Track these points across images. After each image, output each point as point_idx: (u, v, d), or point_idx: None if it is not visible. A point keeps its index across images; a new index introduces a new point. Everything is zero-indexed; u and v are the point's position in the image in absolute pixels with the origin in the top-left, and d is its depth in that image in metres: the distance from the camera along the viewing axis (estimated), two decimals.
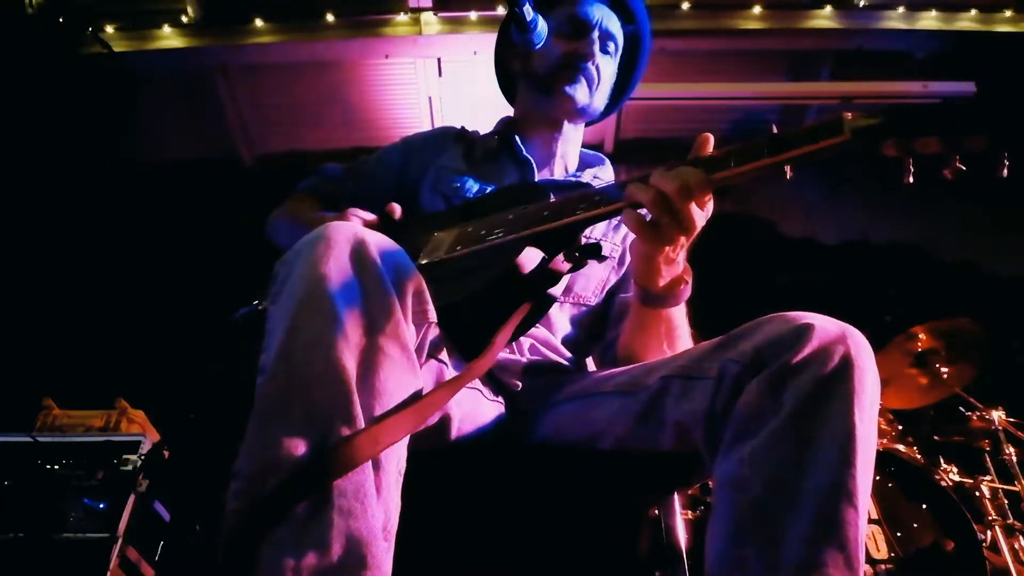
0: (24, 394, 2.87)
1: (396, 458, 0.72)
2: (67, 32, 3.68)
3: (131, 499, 2.40)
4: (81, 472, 2.43)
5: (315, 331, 0.68)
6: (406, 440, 0.74)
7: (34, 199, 4.12)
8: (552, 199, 1.08)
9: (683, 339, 1.14)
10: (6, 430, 2.54)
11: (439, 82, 4.05)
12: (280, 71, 4.09)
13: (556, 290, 1.01)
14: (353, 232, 0.75)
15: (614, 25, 1.43)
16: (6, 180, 3.91)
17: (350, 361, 0.68)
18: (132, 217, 4.24)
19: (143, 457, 2.47)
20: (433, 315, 0.81)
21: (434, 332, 0.94)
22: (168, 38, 3.82)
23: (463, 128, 1.54)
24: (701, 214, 0.92)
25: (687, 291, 1.06)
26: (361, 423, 0.66)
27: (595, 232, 1.31)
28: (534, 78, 1.42)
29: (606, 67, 1.42)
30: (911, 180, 0.81)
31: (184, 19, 3.77)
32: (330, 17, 3.76)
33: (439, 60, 3.95)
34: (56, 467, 2.44)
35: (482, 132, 1.53)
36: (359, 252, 0.74)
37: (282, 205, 1.46)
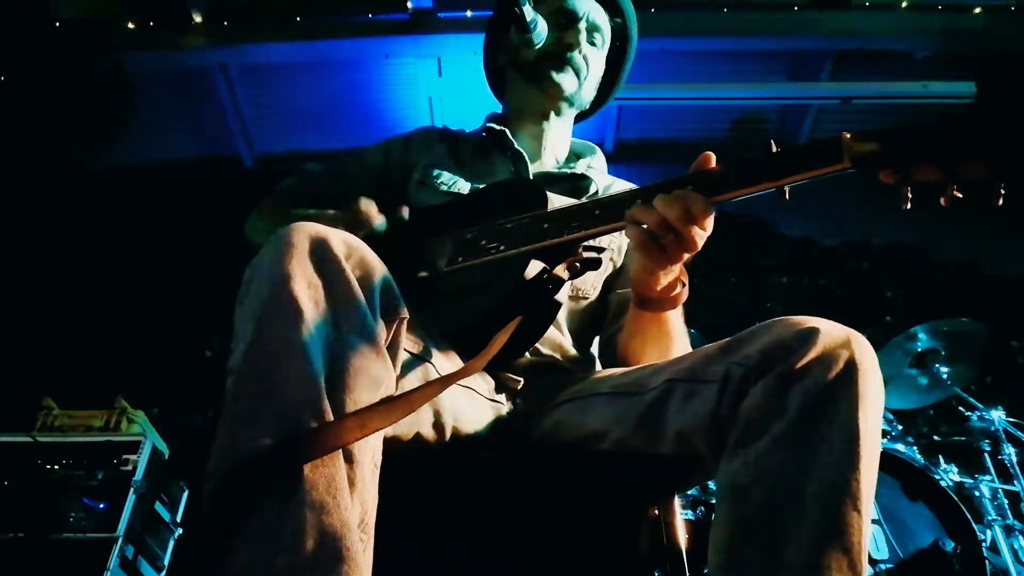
0: (24, 394, 2.86)
1: (371, 451, 0.71)
2: (67, 32, 3.68)
3: (131, 499, 2.40)
4: (81, 472, 2.43)
5: (281, 330, 0.68)
6: (381, 434, 0.74)
7: (35, 199, 4.12)
8: (550, 205, 1.08)
9: (680, 340, 1.14)
10: (6, 430, 2.54)
11: (439, 82, 4.05)
12: (280, 71, 4.09)
13: (561, 296, 1.02)
14: (315, 230, 0.76)
15: (600, 17, 1.45)
16: (6, 180, 3.91)
17: (317, 358, 0.68)
18: (132, 217, 4.25)
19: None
20: (404, 311, 0.81)
21: (425, 332, 0.93)
22: (169, 38, 3.82)
23: (445, 127, 1.55)
24: (703, 233, 0.94)
25: (684, 294, 1.06)
26: (330, 418, 0.66)
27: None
28: (522, 68, 1.43)
29: (594, 58, 1.44)
30: (908, 206, 0.83)
31: (185, 19, 3.77)
32: (329, 17, 3.75)
33: (439, 60, 3.95)
34: (56, 467, 2.44)
35: (468, 131, 1.52)
36: (321, 250, 0.74)
37: (260, 206, 1.43)
